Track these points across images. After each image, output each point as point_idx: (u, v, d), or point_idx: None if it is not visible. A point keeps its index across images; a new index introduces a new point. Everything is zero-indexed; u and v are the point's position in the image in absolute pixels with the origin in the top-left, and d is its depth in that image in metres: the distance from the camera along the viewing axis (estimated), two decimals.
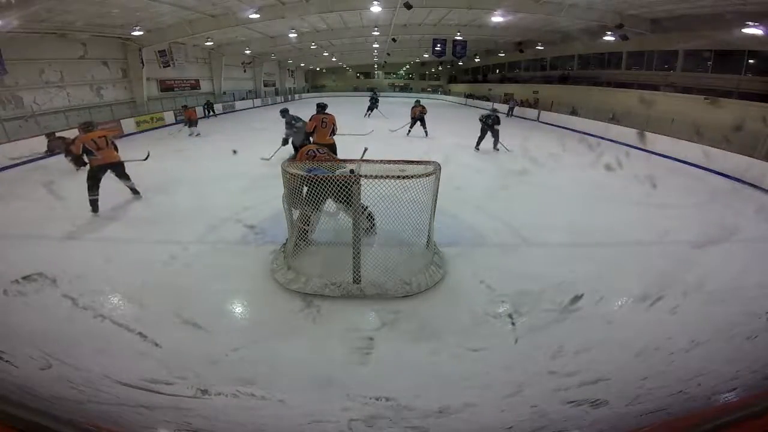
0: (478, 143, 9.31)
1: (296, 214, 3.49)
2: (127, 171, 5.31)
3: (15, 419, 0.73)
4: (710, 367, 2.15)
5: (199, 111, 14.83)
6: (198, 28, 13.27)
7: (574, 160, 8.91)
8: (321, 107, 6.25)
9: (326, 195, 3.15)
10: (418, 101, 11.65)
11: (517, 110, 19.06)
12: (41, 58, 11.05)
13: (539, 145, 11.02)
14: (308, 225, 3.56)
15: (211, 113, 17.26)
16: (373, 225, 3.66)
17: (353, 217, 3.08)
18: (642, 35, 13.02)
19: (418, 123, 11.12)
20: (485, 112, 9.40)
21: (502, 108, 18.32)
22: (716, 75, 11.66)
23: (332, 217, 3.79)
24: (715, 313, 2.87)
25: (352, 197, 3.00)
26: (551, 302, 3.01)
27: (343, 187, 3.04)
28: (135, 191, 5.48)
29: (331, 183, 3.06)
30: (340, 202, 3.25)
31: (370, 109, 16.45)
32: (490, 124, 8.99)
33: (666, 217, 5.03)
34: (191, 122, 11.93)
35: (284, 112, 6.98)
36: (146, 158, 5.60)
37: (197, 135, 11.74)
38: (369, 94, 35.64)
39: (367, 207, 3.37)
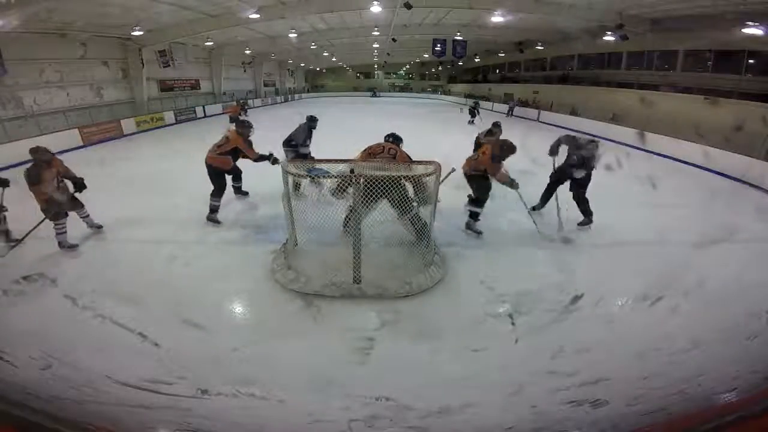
0: (545, 200, 5.01)
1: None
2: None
3: (15, 419, 0.73)
4: (710, 367, 2.15)
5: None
6: (198, 28, 13.25)
7: None
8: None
9: (378, 195, 3.07)
10: (497, 126, 6.04)
11: (517, 110, 19.04)
12: (41, 58, 11.02)
13: (539, 145, 10.99)
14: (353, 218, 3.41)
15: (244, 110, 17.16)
16: (423, 229, 3.49)
17: (356, 217, 3.07)
18: (642, 35, 12.99)
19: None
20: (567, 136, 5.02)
21: (489, 107, 17.96)
22: (716, 75, 11.64)
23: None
24: (715, 313, 2.87)
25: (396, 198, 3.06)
26: (551, 302, 3.01)
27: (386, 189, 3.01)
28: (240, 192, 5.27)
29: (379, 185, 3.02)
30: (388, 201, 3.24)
31: (473, 115, 15.20)
32: (574, 167, 4.58)
33: (666, 217, 5.03)
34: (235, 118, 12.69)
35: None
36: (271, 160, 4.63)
37: None
38: (369, 94, 35.92)
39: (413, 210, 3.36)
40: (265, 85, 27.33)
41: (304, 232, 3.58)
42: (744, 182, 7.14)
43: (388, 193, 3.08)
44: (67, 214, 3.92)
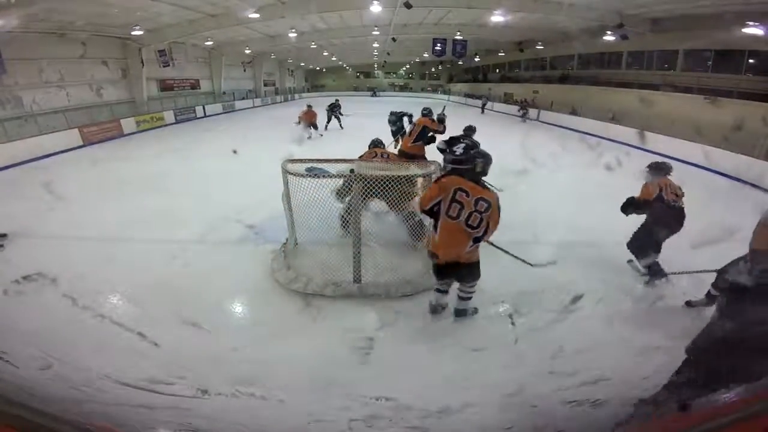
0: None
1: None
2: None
3: (15, 419, 0.73)
4: None
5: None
6: (198, 27, 13.24)
7: (574, 160, 8.90)
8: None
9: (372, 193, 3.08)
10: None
11: (513, 109, 18.88)
12: (41, 57, 11.01)
13: (539, 144, 11.02)
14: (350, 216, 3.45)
15: (336, 117, 12.83)
16: (418, 234, 3.53)
17: (355, 216, 3.07)
18: (642, 35, 13.00)
19: None
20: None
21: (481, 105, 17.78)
22: (716, 75, 11.64)
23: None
24: None
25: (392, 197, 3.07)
26: (551, 302, 3.01)
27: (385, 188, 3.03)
28: None
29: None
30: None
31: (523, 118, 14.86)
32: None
33: None
34: (312, 124, 11.36)
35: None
36: None
37: (320, 135, 11.48)
38: (369, 93, 35.90)
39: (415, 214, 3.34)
40: (265, 85, 27.31)
41: (304, 232, 3.57)
42: (744, 182, 7.14)
43: (386, 193, 3.07)
44: None
